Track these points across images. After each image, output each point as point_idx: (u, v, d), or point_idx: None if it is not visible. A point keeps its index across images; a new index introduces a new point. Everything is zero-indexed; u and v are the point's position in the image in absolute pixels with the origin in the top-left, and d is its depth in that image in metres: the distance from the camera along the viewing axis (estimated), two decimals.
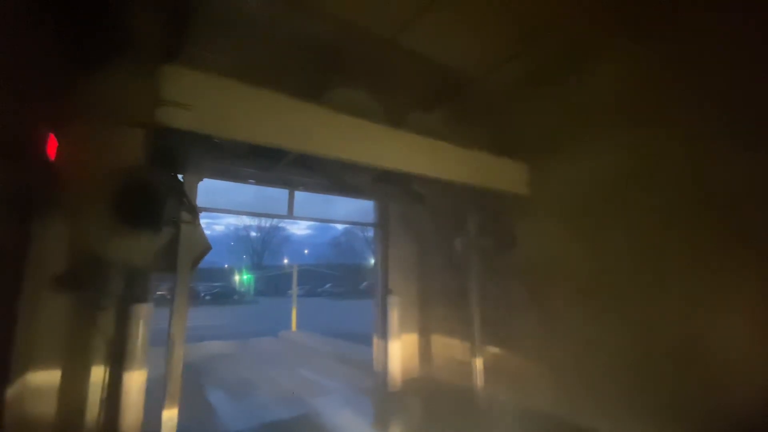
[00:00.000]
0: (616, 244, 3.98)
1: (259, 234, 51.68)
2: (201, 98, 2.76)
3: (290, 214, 5.21)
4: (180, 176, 3.52)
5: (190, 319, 3.76)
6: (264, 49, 3.77)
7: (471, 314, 5.24)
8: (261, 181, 4.42)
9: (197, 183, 3.63)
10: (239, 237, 50.76)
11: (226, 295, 31.22)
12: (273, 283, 39.31)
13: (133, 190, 2.91)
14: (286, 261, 42.89)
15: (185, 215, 3.26)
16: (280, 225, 52.18)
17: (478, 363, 5.12)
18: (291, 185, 4.75)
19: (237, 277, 41.58)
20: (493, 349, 5.11)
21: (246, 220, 49.96)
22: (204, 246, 3.50)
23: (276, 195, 5.78)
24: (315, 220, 7.29)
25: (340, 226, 53.46)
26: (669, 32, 3.65)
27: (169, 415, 3.18)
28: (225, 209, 4.92)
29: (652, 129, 3.74)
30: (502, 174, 4.60)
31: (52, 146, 2.99)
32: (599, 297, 4.08)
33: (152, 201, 3.05)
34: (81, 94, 3.09)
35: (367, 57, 3.97)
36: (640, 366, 3.66)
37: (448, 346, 5.91)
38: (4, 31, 2.29)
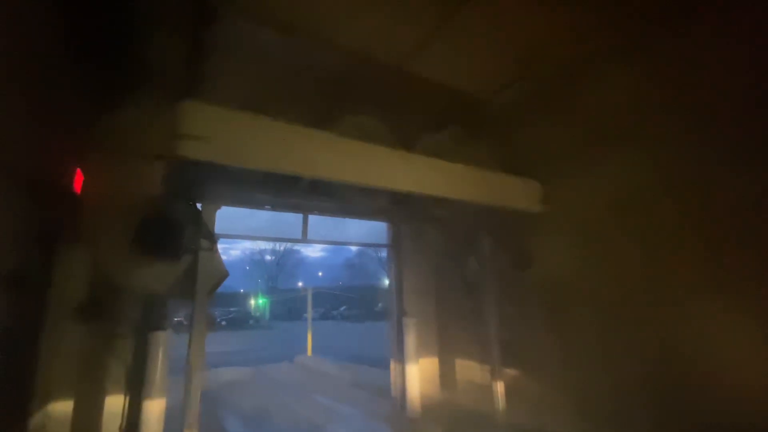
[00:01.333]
0: (631, 261, 3.90)
1: (273, 257, 52.03)
2: (218, 130, 2.88)
3: (304, 238, 5.28)
4: (198, 205, 3.63)
5: (207, 344, 3.79)
6: (278, 80, 3.94)
7: (489, 336, 5.13)
8: (276, 206, 4.52)
9: (215, 211, 3.74)
10: (254, 261, 51.16)
11: (242, 320, 31.26)
12: (288, 307, 39.23)
13: (154, 219, 3.01)
14: (300, 284, 42.90)
15: (204, 243, 3.35)
16: (295, 248, 52.52)
17: (499, 386, 4.97)
18: (305, 210, 4.83)
19: (252, 302, 41.66)
20: (513, 371, 4.96)
21: (261, 245, 50.47)
22: (221, 273, 3.57)
23: (290, 219, 5.89)
24: (328, 243, 7.35)
25: (353, 248, 53.51)
26: (668, 51, 3.69)
27: None
28: (241, 235, 5.01)
29: (660, 145, 3.73)
30: (515, 192, 4.60)
31: (78, 180, 3.14)
32: (617, 315, 3.97)
33: (172, 230, 3.15)
34: (105, 129, 3.26)
35: (377, 84, 4.10)
36: (659, 384, 3.52)
37: (467, 369, 5.76)
38: (33, 69, 2.45)
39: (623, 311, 3.93)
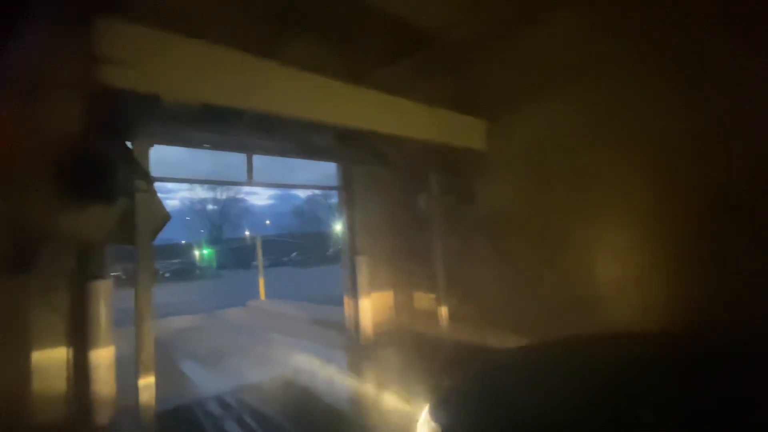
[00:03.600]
0: (567, 196, 4.27)
1: (216, 207, 49.71)
2: (145, 55, 2.55)
3: (249, 181, 5.07)
4: (129, 143, 3.30)
5: (152, 296, 3.68)
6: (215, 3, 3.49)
7: (436, 267, 5.51)
8: (216, 145, 4.22)
9: (148, 149, 3.43)
10: (195, 211, 48.56)
11: (187, 271, 30.33)
12: (235, 256, 38.45)
13: (79, 159, 2.71)
14: (247, 233, 41.85)
15: (139, 184, 3.10)
16: (239, 196, 50.36)
17: (443, 311, 5.46)
18: (249, 149, 4.58)
19: (197, 253, 40.27)
20: (458, 298, 5.44)
21: (201, 193, 47.72)
22: (163, 215, 3.37)
23: (233, 162, 5.59)
24: (276, 186, 7.14)
25: (303, 195, 52.46)
26: None
27: (145, 383, 3.17)
28: (180, 178, 4.68)
29: (600, 86, 3.93)
30: (462, 130, 4.71)
31: None
32: (548, 244, 4.42)
33: (100, 170, 2.86)
34: (10, 57, 2.75)
35: (326, 11, 3.79)
36: (576, 302, 4.06)
37: (417, 299, 6.22)
38: None
39: (553, 240, 4.38)
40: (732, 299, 3.03)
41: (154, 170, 3.61)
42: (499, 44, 4.75)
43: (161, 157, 4.04)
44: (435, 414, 1.64)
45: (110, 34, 2.42)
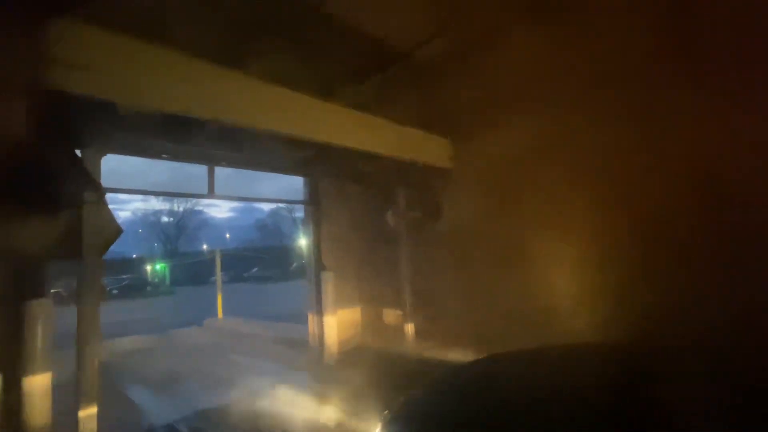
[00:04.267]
0: (528, 212, 4.45)
1: (172, 219, 47.35)
2: (101, 59, 2.41)
3: (211, 193, 4.87)
4: (78, 151, 3.07)
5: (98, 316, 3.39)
6: (179, 8, 3.38)
7: (402, 283, 5.51)
8: (176, 156, 4.03)
9: (100, 158, 3.21)
10: (148, 223, 45.94)
11: (138, 288, 28.43)
12: (192, 271, 36.52)
13: (21, 166, 2.48)
14: (205, 247, 40.06)
15: (88, 195, 2.88)
16: (197, 208, 48.33)
17: (409, 328, 5.45)
18: (211, 160, 4.41)
19: (149, 268, 37.94)
20: (424, 314, 5.46)
21: (156, 204, 45.35)
22: (113, 228, 3.14)
23: (193, 173, 5.37)
24: (239, 200, 6.92)
25: (266, 208, 51.30)
26: (572, 20, 4.06)
27: (87, 414, 2.89)
28: (134, 189, 4.40)
29: (558, 109, 4.17)
30: (429, 148, 4.82)
31: None
32: (508, 257, 4.54)
33: (45, 179, 2.64)
34: None
35: (296, 24, 3.78)
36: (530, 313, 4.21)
37: (383, 316, 6.16)
38: None
39: (512, 255, 4.52)
40: (677, 311, 3.25)
41: (106, 181, 3.39)
42: (462, 64, 4.96)
43: (114, 167, 3.81)
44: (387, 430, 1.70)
45: (63, 36, 2.27)
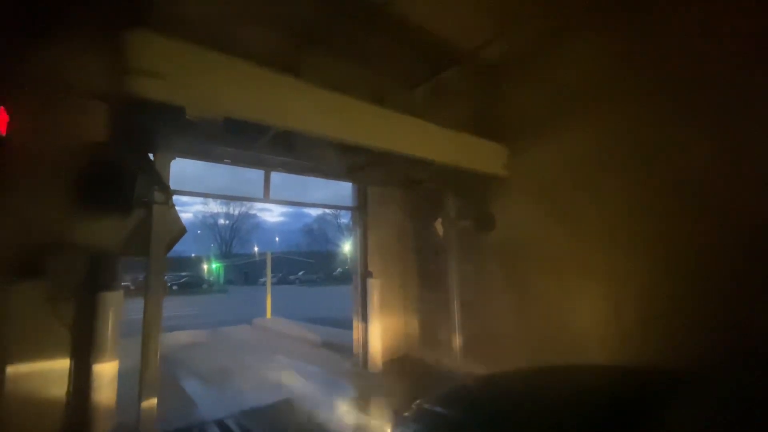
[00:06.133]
0: (587, 224, 4.12)
1: (227, 222, 50.29)
2: (172, 67, 2.55)
3: (266, 198, 5.04)
4: (150, 155, 3.29)
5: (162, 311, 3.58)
6: (240, 17, 3.54)
7: (450, 295, 5.33)
8: (236, 160, 4.21)
9: (169, 162, 3.42)
10: (207, 225, 49.25)
11: (195, 285, 30.41)
12: (242, 272, 38.49)
13: (99, 168, 2.69)
14: (256, 249, 41.99)
15: (158, 196, 3.07)
16: (251, 212, 50.95)
17: (456, 341, 5.23)
18: (268, 165, 4.56)
19: (205, 267, 40.44)
20: (473, 328, 5.23)
21: (215, 208, 48.47)
22: (179, 228, 3.33)
23: (250, 179, 5.58)
24: (291, 204, 7.13)
25: (313, 213, 52.82)
26: (636, 21, 3.75)
27: (148, 405, 3.03)
28: (199, 192, 4.66)
29: (620, 114, 3.86)
30: (483, 155, 4.64)
31: (2, 120, 2.71)
32: (573, 275, 4.23)
33: (120, 180, 2.84)
34: (35, 63, 2.79)
35: (354, 29, 3.81)
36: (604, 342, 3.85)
37: (429, 327, 5.99)
38: None
39: (569, 270, 4.20)
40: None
41: (173, 183, 3.60)
42: (520, 68, 4.75)
43: (179, 170, 4.04)
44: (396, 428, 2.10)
45: (139, 45, 2.43)
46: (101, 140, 2.79)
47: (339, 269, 32.96)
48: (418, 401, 2.11)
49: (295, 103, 3.22)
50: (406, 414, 2.06)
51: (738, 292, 3.03)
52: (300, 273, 37.74)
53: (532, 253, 4.63)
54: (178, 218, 3.28)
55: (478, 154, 4.55)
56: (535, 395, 2.05)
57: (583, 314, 4.09)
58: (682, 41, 3.47)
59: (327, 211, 42.62)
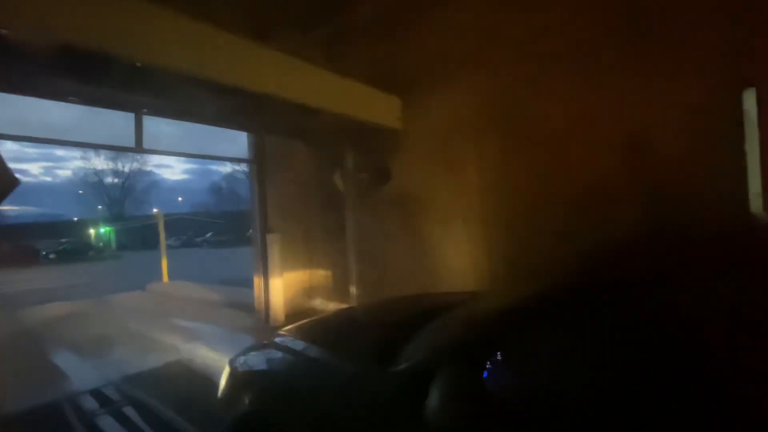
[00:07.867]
0: (471, 176, 4.45)
1: (117, 180, 44.17)
2: None
3: (139, 147, 4.40)
4: None
5: (29, 281, 3.05)
6: None
7: (348, 245, 5.44)
8: (88, 100, 3.55)
9: None
10: (90, 184, 42.66)
11: (78, 252, 26.66)
12: (140, 236, 34.66)
13: None
14: (155, 210, 37.93)
15: None
16: (145, 168, 45.30)
17: (353, 290, 5.45)
18: (133, 108, 3.94)
19: (92, 231, 35.56)
20: (372, 275, 5.45)
21: (98, 163, 41.96)
22: (7, 180, 2.76)
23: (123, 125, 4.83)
24: (172, 155, 6.41)
25: (222, 171, 48.97)
26: None
27: None
28: (36, 138, 3.80)
29: (495, 78, 4.12)
30: (376, 106, 4.61)
31: None
32: (457, 222, 4.60)
33: None
34: None
35: None
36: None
37: (334, 278, 6.10)
38: None
39: (463, 218, 4.57)
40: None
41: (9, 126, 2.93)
42: (415, 21, 4.71)
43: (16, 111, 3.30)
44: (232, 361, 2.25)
45: None
46: None
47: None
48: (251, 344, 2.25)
49: (154, 31, 2.76)
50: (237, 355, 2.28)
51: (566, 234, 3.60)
52: (208, 235, 35.31)
53: (424, 204, 4.88)
54: (5, 167, 2.71)
55: (370, 104, 4.50)
56: (380, 319, 2.27)
57: (464, 255, 4.53)
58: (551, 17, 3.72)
59: (237, 167, 39.75)
